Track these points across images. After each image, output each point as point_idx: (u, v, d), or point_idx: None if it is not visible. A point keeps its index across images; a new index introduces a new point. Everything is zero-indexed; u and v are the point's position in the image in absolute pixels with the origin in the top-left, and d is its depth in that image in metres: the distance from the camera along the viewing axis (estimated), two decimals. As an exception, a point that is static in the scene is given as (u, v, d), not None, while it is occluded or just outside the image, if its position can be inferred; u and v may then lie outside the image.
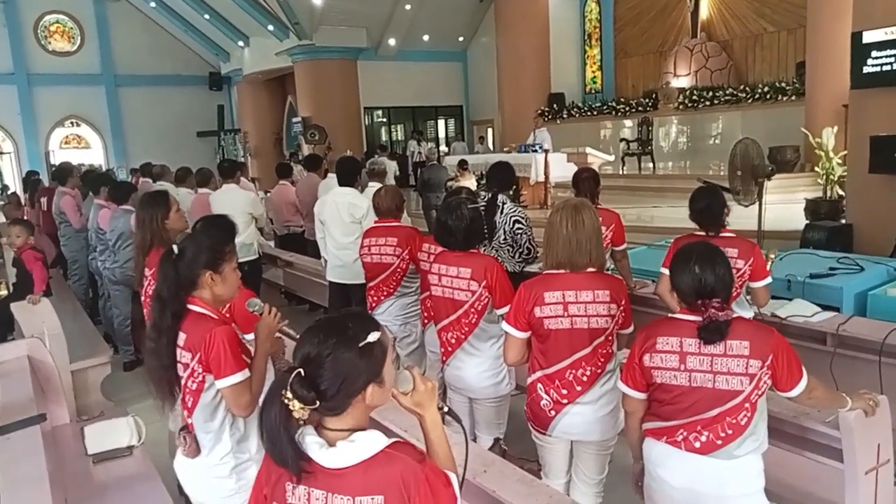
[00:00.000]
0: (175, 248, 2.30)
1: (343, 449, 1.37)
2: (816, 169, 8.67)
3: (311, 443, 1.38)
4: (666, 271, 3.52)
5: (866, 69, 5.60)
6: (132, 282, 4.78)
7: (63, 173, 7.51)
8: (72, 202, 6.93)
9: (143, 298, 3.61)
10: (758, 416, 2.11)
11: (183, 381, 2.28)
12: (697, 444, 2.12)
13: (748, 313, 3.38)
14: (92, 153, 21.30)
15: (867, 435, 2.41)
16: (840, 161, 8.02)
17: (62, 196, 7.04)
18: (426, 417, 1.58)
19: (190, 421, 2.32)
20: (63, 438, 3.26)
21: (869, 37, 5.53)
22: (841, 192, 7.71)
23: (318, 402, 1.36)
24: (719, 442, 2.09)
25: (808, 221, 6.89)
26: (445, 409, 1.71)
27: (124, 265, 5.35)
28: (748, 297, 3.44)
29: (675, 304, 3.43)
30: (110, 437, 3.11)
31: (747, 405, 2.07)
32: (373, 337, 1.41)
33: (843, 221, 6.43)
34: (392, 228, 4.05)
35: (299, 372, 1.36)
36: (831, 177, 8.29)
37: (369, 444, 1.38)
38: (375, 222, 4.27)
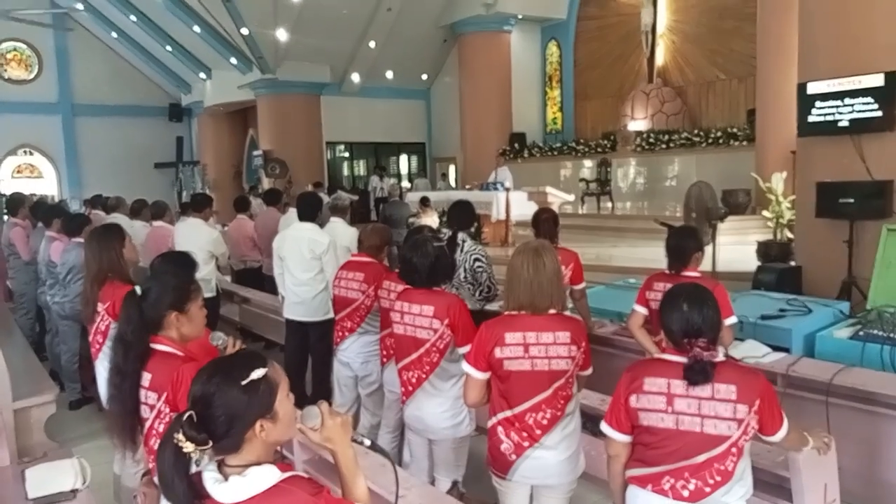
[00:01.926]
0: (138, 288, 2.25)
1: (235, 483, 1.41)
2: (766, 213, 8.96)
3: (209, 478, 1.42)
4: (638, 308, 3.65)
5: (811, 118, 5.84)
6: (82, 317, 4.66)
7: (14, 203, 7.31)
8: (22, 234, 6.74)
9: (91, 335, 3.50)
10: (744, 461, 2.11)
11: (148, 424, 2.21)
12: (686, 493, 2.08)
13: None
14: (45, 183, 20.79)
15: (815, 475, 2.46)
16: (789, 205, 8.30)
17: (12, 227, 6.84)
18: (338, 453, 1.60)
19: (153, 465, 2.24)
20: (2, 481, 3.11)
21: (813, 88, 5.78)
22: (790, 235, 7.96)
23: (210, 442, 1.40)
24: (708, 489, 2.06)
25: (759, 263, 7.09)
26: (367, 442, 1.70)
27: (74, 299, 5.19)
28: None
29: (644, 339, 3.53)
30: (53, 480, 2.97)
31: (734, 450, 2.05)
32: (257, 374, 1.44)
33: (793, 263, 6.63)
34: (362, 264, 4.04)
35: (190, 414, 1.40)
36: (781, 220, 8.56)
37: (261, 478, 1.41)
38: (353, 255, 4.26)
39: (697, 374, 2.05)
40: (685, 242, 3.58)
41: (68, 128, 20.78)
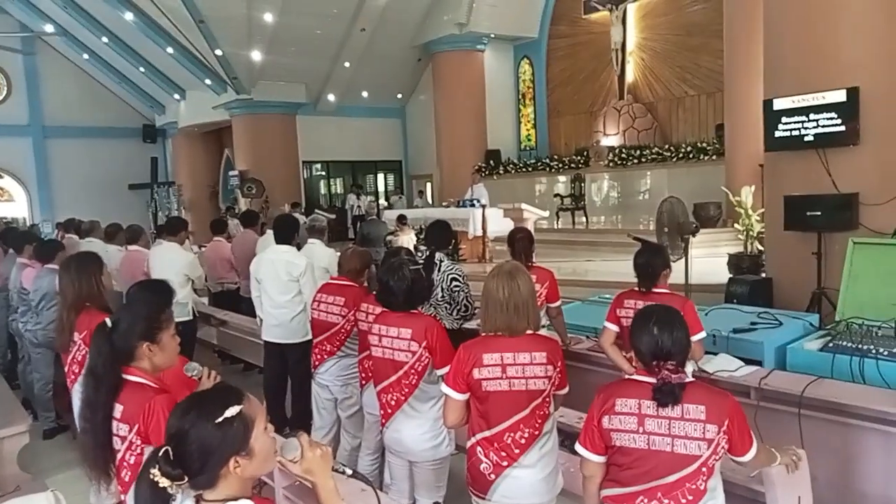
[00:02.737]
0: (108, 321, 2.23)
1: None
2: (736, 225, 9.12)
3: None
4: (609, 325, 3.70)
5: (777, 133, 5.98)
6: (55, 344, 4.59)
7: (-16, 230, 7.20)
8: (-8, 260, 6.64)
9: (66, 364, 3.45)
10: (715, 479, 2.14)
11: (120, 456, 2.18)
12: None
13: (687, 369, 3.49)
14: (15, 206, 20.46)
15: (789, 488, 2.51)
16: (759, 218, 8.47)
17: (-19, 254, 6.74)
18: (318, 484, 1.61)
19: (124, 498, 2.22)
20: (-26, 517, 3.05)
21: (779, 104, 5.92)
22: (760, 247, 8.12)
23: (185, 478, 1.41)
24: None
25: (731, 275, 7.21)
26: (349, 472, 1.71)
27: (47, 327, 5.11)
28: None
29: (615, 355, 3.57)
30: (27, 513, 2.93)
31: (704, 469, 2.08)
32: (231, 412, 1.45)
33: (764, 275, 6.75)
34: (342, 287, 4.04)
35: (166, 450, 1.41)
36: (751, 233, 8.73)
37: None
38: (332, 278, 4.26)
39: (666, 395, 2.10)
40: (653, 260, 3.64)
41: (39, 150, 20.52)
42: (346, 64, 17.76)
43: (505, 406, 2.55)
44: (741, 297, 6.10)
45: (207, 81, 17.34)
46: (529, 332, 2.61)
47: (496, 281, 2.61)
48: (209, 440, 1.42)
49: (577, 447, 2.29)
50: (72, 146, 20.67)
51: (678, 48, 14.98)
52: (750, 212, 8.78)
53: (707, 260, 8.35)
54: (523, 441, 2.56)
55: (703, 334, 3.49)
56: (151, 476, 1.39)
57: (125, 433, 2.16)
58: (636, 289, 3.68)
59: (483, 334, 2.67)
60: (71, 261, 3.64)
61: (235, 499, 1.45)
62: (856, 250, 5.08)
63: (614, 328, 3.69)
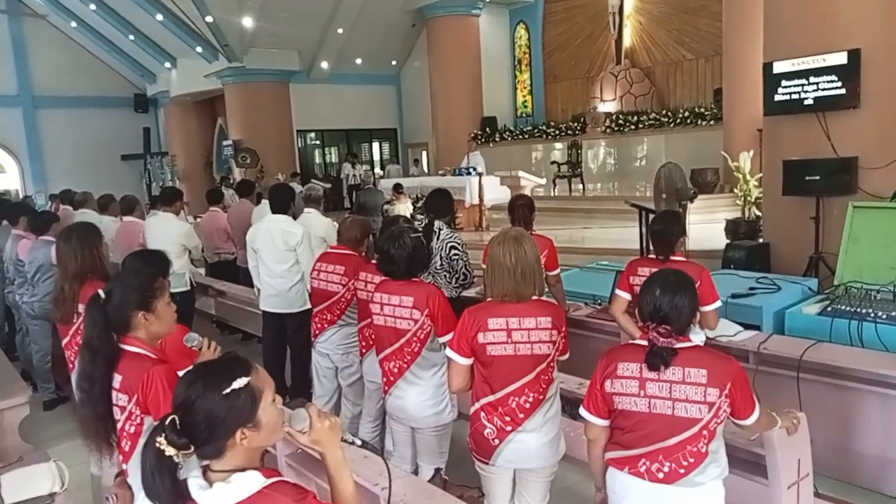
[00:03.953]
0: (101, 292, 2.21)
1: (219, 489, 1.41)
2: (735, 191, 9.10)
3: (193, 484, 1.42)
4: (621, 293, 3.63)
5: (777, 97, 5.92)
6: (52, 316, 4.57)
7: (-24, 201, 7.13)
8: (-14, 232, 6.57)
9: (69, 336, 3.43)
10: (716, 442, 2.15)
11: (119, 426, 2.18)
12: (661, 475, 2.12)
13: (699, 337, 3.46)
14: (7, 178, 20.27)
15: (789, 451, 2.53)
16: (756, 183, 8.45)
17: (-25, 226, 6.67)
18: (326, 455, 1.60)
19: (125, 467, 2.22)
20: (-22, 488, 3.06)
21: (779, 67, 5.85)
22: (758, 213, 8.11)
23: (192, 447, 1.41)
24: (682, 471, 2.11)
25: (728, 241, 7.21)
26: (358, 442, 1.71)
27: (43, 298, 5.10)
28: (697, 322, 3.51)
29: (627, 324, 3.54)
30: (30, 484, 2.92)
31: (705, 433, 2.09)
32: (238, 383, 1.44)
33: (761, 241, 6.75)
34: (342, 256, 4.02)
35: (173, 419, 1.40)
36: (749, 198, 8.72)
37: (245, 484, 1.42)
38: (331, 247, 4.23)
39: (655, 357, 2.10)
40: (671, 227, 3.53)
41: (29, 120, 20.24)
42: (339, 30, 17.48)
43: (510, 370, 2.55)
44: (738, 263, 6.11)
45: (198, 49, 17.07)
46: (535, 297, 2.60)
47: (503, 247, 2.58)
48: (216, 411, 1.41)
49: (581, 411, 2.30)
50: (62, 116, 20.38)
51: (676, 10, 14.77)
52: (748, 177, 8.76)
53: (704, 226, 8.34)
54: (528, 405, 2.56)
55: (718, 304, 3.42)
56: (158, 444, 1.38)
57: (124, 403, 2.15)
58: (651, 256, 3.59)
59: (489, 300, 2.65)
60: (71, 232, 3.58)
61: (242, 469, 1.44)
62: (855, 214, 5.07)
63: (626, 296, 3.60)
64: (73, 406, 5.15)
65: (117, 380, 2.16)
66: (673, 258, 3.48)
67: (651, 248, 3.61)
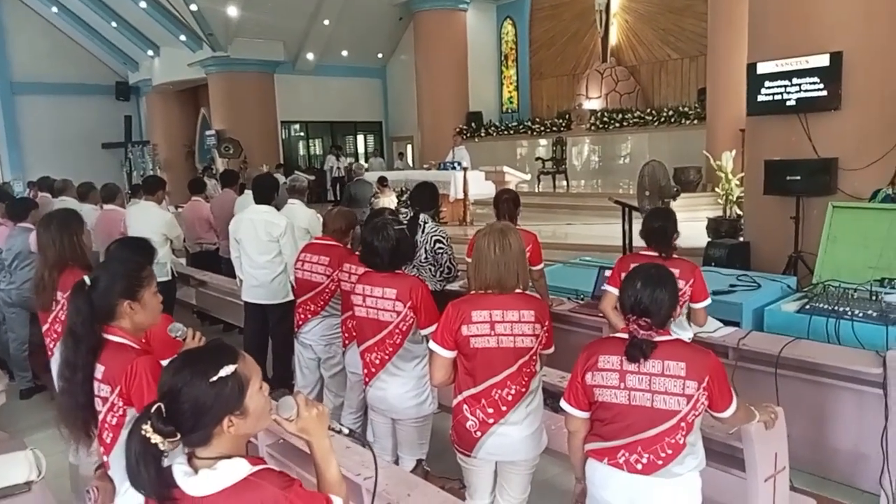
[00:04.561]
0: (87, 279, 2.18)
1: (205, 476, 1.41)
2: (717, 189, 9.18)
3: (178, 471, 1.42)
4: (610, 289, 3.58)
5: (760, 97, 5.98)
6: (30, 304, 4.51)
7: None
8: (-37, 219, 6.46)
9: (48, 324, 3.39)
10: (694, 434, 2.18)
11: (101, 417, 2.14)
12: (639, 466, 2.15)
13: (687, 334, 3.47)
14: (-16, 165, 19.94)
15: (766, 444, 2.57)
16: (738, 182, 8.52)
17: (-48, 212, 6.55)
18: (313, 443, 1.60)
19: (106, 459, 2.19)
20: (-48, 476, 3.01)
21: (762, 68, 5.91)
22: (739, 212, 8.19)
23: (178, 435, 1.40)
24: (660, 462, 2.13)
25: (709, 239, 7.28)
26: (346, 430, 1.71)
27: (21, 286, 5.04)
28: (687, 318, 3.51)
29: (617, 320, 3.53)
30: (6, 473, 2.88)
31: (683, 425, 2.12)
32: (225, 371, 1.43)
33: (742, 239, 6.82)
34: (327, 247, 4.01)
35: (159, 406, 1.40)
36: (730, 197, 8.79)
37: (231, 472, 1.42)
38: (316, 238, 4.22)
39: (634, 349, 2.13)
40: (667, 225, 3.48)
41: (7, 106, 19.86)
42: (326, 22, 17.37)
43: (493, 362, 2.57)
44: (719, 261, 6.18)
45: (182, 38, 16.87)
46: (518, 290, 2.62)
47: (488, 238, 2.60)
48: (203, 399, 1.40)
49: (562, 403, 2.32)
50: (42, 103, 20.03)
51: (662, 10, 14.84)
52: (730, 176, 8.84)
53: (686, 224, 8.29)
54: (510, 398, 2.58)
55: (708, 301, 3.44)
56: (143, 432, 1.37)
57: (107, 394, 2.12)
58: (646, 252, 3.52)
59: (472, 292, 2.66)
60: (51, 219, 3.52)
61: (229, 457, 1.44)
62: (835, 214, 5.15)
63: (616, 291, 3.60)
64: (50, 395, 5.10)
65: (100, 370, 2.13)
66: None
67: (645, 244, 3.56)
